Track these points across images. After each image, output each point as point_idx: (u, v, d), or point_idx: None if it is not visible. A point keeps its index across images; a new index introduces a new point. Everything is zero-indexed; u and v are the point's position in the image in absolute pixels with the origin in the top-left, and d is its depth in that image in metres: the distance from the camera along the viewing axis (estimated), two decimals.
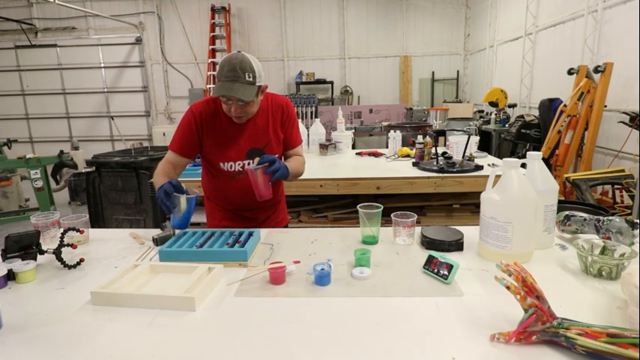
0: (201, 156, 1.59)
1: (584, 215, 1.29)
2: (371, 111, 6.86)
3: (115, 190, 3.57)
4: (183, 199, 1.27)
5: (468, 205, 2.66)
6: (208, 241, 1.28)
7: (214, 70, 8.56)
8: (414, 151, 2.90)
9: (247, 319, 0.89)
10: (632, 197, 3.21)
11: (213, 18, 8.43)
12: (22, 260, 1.14)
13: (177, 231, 1.39)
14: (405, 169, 2.64)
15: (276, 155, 1.54)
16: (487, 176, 1.22)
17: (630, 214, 3.19)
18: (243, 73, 1.32)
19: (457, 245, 1.24)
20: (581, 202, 2.49)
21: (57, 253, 1.18)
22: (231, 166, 1.53)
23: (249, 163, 1.53)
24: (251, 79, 1.34)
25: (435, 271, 1.05)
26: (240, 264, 1.17)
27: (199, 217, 2.63)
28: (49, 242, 1.37)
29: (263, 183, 1.35)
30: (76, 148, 7.01)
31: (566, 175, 3.62)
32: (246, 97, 1.34)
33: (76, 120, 9.39)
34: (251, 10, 8.79)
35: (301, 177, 1.70)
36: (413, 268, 1.12)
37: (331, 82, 8.73)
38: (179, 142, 1.52)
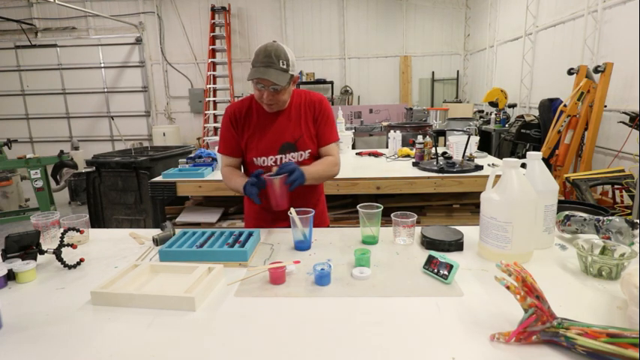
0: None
1: (584, 215, 1.29)
2: (371, 111, 6.86)
3: (115, 190, 3.57)
4: (297, 218, 1.25)
5: (468, 205, 2.66)
6: (208, 241, 1.28)
7: (214, 70, 8.57)
8: (414, 151, 2.90)
9: (247, 319, 0.89)
10: (632, 197, 3.21)
11: (213, 18, 8.43)
12: (22, 260, 1.14)
13: (177, 231, 1.39)
14: (405, 169, 2.64)
15: (309, 151, 1.56)
16: (487, 176, 1.22)
17: (630, 214, 3.19)
18: (277, 60, 1.37)
19: (457, 245, 1.24)
20: (581, 202, 2.49)
21: (57, 253, 1.18)
22: (263, 161, 1.55)
23: (281, 159, 1.54)
24: (285, 67, 1.39)
25: (435, 271, 1.05)
26: (240, 264, 1.17)
27: (199, 217, 2.63)
28: (49, 242, 1.37)
29: (280, 193, 1.35)
30: (76, 148, 7.02)
31: (566, 175, 3.62)
32: (279, 82, 1.38)
33: (76, 120, 9.39)
34: (251, 10, 8.79)
35: None
36: (413, 268, 1.12)
37: (331, 82, 8.73)
38: (226, 143, 1.59)
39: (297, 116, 1.56)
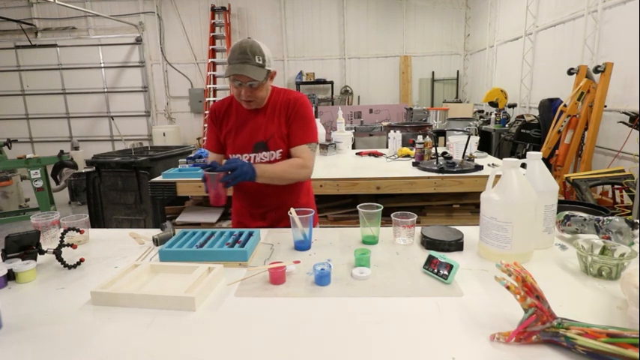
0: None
1: (584, 215, 1.29)
2: (371, 111, 6.86)
3: (115, 190, 3.57)
4: (297, 218, 1.26)
5: (468, 205, 2.66)
6: (208, 241, 1.28)
7: (214, 70, 8.57)
8: (414, 151, 2.90)
9: (247, 319, 0.89)
10: (632, 197, 3.21)
11: (213, 18, 8.43)
12: (22, 260, 1.14)
13: (177, 231, 1.39)
14: (405, 169, 2.64)
15: (280, 151, 1.54)
16: (487, 176, 1.22)
17: (630, 214, 3.19)
18: (253, 56, 1.39)
19: (457, 245, 1.24)
20: (581, 202, 2.50)
21: (57, 253, 1.17)
22: (237, 158, 1.56)
23: (254, 157, 1.56)
24: (261, 62, 1.40)
25: (435, 271, 1.05)
26: (240, 264, 1.17)
27: (199, 217, 2.63)
28: (49, 242, 1.37)
29: (215, 188, 1.36)
30: (76, 148, 7.02)
31: (566, 175, 3.62)
32: (256, 77, 1.40)
33: (76, 120, 9.39)
34: (251, 10, 8.79)
35: None
36: (413, 268, 1.12)
37: (331, 82, 8.73)
38: (209, 140, 1.67)
39: (271, 115, 1.56)
